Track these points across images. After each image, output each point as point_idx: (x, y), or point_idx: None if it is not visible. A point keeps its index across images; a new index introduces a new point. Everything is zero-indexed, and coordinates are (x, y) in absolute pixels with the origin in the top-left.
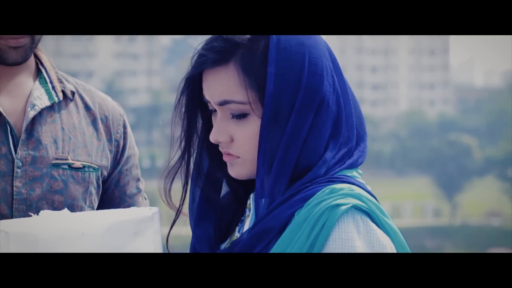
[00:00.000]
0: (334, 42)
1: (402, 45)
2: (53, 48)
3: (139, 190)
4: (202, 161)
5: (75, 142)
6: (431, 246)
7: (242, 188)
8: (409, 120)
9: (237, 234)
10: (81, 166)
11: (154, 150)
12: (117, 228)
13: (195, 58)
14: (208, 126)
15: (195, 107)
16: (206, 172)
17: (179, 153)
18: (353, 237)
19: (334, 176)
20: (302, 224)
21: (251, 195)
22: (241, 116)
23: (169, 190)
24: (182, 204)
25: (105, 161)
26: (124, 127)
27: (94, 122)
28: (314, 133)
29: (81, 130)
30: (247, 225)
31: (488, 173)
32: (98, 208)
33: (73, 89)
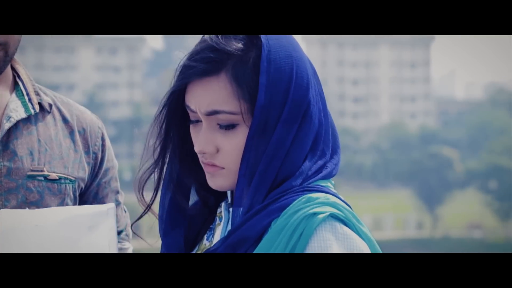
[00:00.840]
0: (316, 55)
1: (383, 57)
2: (35, 61)
3: (118, 203)
4: (173, 170)
5: (52, 154)
6: None
7: (212, 197)
8: (390, 132)
9: (205, 242)
10: (57, 177)
11: (135, 163)
12: (71, 222)
13: (181, 69)
14: (184, 137)
15: (175, 119)
16: (176, 180)
17: (151, 160)
18: (331, 245)
19: (309, 185)
20: (279, 233)
21: (222, 204)
22: (229, 126)
23: (142, 194)
24: (151, 203)
25: (82, 173)
26: (103, 139)
27: (71, 134)
28: (297, 145)
29: (57, 142)
30: (217, 233)
31: (469, 186)
32: None
33: (51, 102)
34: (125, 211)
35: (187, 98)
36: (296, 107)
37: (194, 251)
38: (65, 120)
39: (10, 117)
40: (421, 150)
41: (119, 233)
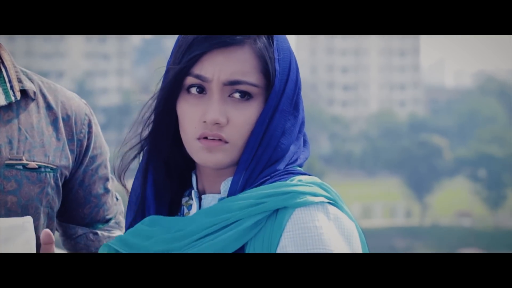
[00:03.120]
0: (305, 43)
1: (373, 45)
2: (24, 48)
3: (106, 190)
4: (163, 147)
5: (32, 142)
6: (401, 246)
7: (176, 184)
8: (380, 120)
9: None
10: (37, 166)
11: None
12: None
13: (193, 42)
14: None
15: (176, 93)
16: (165, 159)
17: (138, 138)
18: (325, 225)
19: (291, 169)
20: (269, 196)
21: (193, 192)
22: (245, 98)
23: (124, 170)
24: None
25: (65, 161)
26: (89, 126)
27: (55, 122)
28: (287, 133)
29: (39, 130)
30: None
31: (458, 174)
32: (62, 208)
33: (35, 89)
34: (116, 199)
35: (200, 67)
36: (290, 98)
37: None
38: (49, 107)
39: None
40: (410, 138)
41: (107, 220)
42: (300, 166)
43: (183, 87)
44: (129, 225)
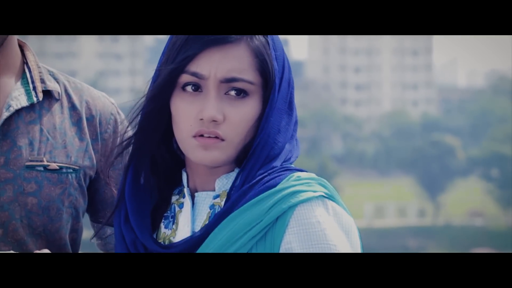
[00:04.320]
0: (318, 42)
1: (385, 45)
2: (37, 48)
3: None
4: (152, 145)
5: (53, 143)
6: (414, 246)
7: (164, 182)
8: (392, 120)
9: (164, 231)
10: (58, 167)
11: None
12: None
13: (187, 41)
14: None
15: (169, 91)
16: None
17: (130, 132)
18: (326, 219)
19: (288, 166)
20: (270, 196)
21: (186, 190)
22: (241, 95)
23: (109, 167)
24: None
25: (89, 161)
26: (115, 126)
27: (78, 122)
28: (283, 131)
29: (62, 130)
30: (182, 220)
31: (471, 173)
32: (91, 208)
33: (59, 89)
34: None
35: (196, 64)
36: (284, 96)
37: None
38: (73, 107)
39: (9, 106)
40: (423, 138)
41: None
42: (292, 162)
43: (177, 85)
44: (107, 220)
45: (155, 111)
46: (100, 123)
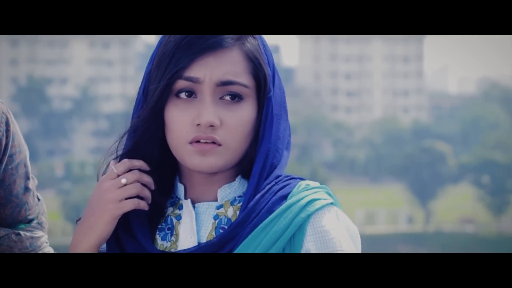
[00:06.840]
0: (309, 49)
1: (376, 52)
2: (28, 55)
3: (27, 189)
4: (153, 153)
5: None
6: (405, 252)
7: (157, 193)
8: (383, 126)
9: (161, 243)
10: None
11: None
12: None
13: (181, 47)
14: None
15: (166, 97)
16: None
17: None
18: (338, 226)
19: (291, 175)
20: (285, 211)
21: (186, 201)
22: (236, 99)
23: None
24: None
25: None
26: (7, 124)
27: None
28: (282, 137)
29: None
30: (183, 231)
31: (462, 180)
32: None
33: None
34: (38, 199)
35: (191, 69)
36: (278, 101)
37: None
38: None
39: None
40: (414, 145)
41: (30, 221)
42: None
43: (171, 92)
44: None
45: (150, 120)
46: None
